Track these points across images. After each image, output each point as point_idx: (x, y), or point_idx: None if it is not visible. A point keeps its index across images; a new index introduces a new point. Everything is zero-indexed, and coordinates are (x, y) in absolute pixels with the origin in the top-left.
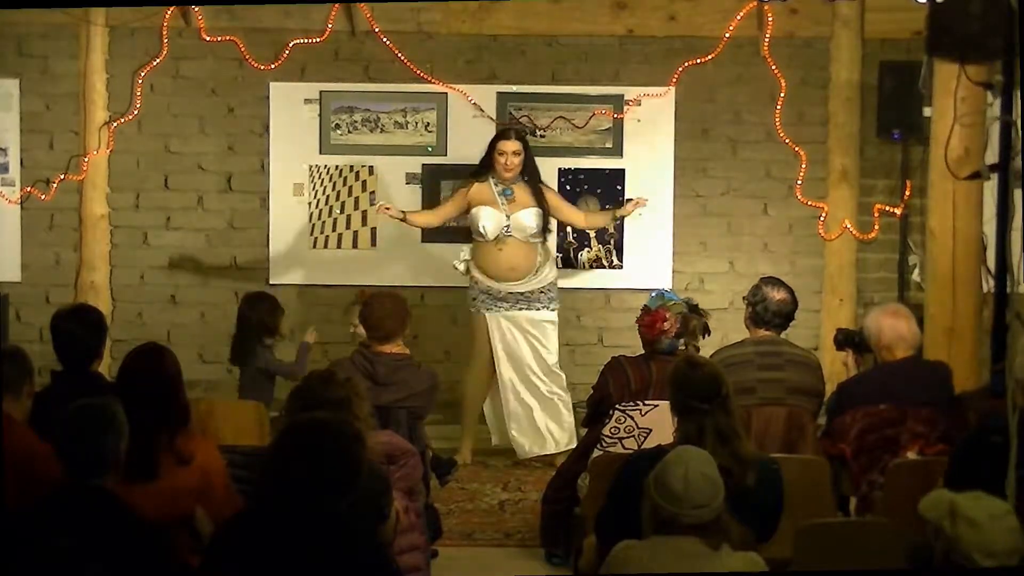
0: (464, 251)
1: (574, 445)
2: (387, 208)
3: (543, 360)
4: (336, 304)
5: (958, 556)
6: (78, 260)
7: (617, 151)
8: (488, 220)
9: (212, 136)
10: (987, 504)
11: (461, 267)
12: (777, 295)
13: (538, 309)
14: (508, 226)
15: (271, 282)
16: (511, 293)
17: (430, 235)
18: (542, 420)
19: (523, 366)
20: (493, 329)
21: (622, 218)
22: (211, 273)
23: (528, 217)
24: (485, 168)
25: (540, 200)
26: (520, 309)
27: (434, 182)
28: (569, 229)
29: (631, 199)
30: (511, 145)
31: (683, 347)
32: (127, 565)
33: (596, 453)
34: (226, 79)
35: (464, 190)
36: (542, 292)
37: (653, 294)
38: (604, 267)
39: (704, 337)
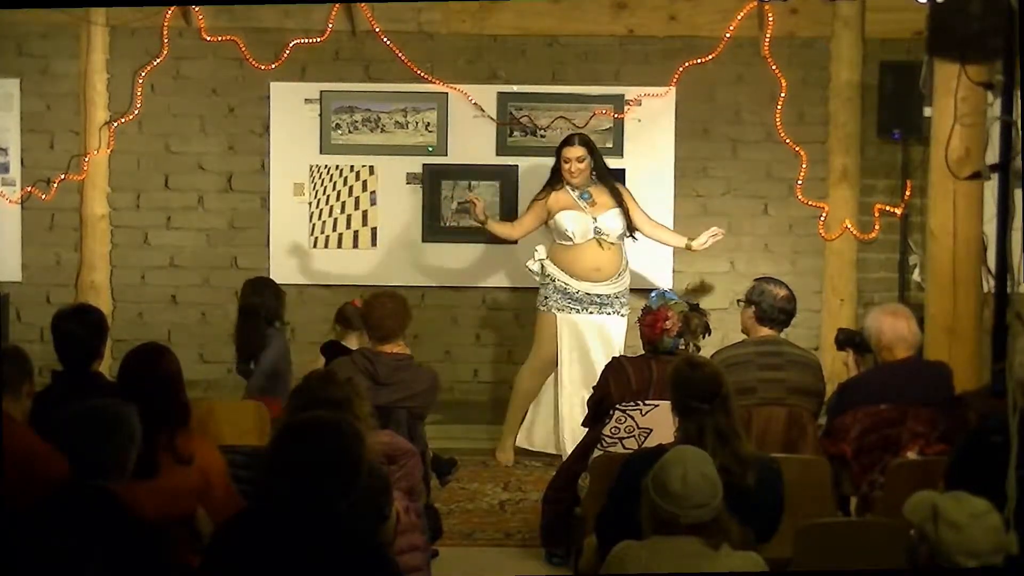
0: (539, 250)
1: None
2: (475, 203)
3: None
4: (336, 304)
5: (941, 558)
6: (78, 260)
7: (617, 151)
8: (574, 223)
9: (212, 136)
10: (968, 504)
11: (536, 267)
12: (780, 292)
13: (610, 314)
14: (597, 227)
15: None
16: (588, 294)
17: (430, 235)
18: None
19: (590, 371)
20: (563, 329)
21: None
22: (211, 273)
23: (613, 218)
24: (557, 177)
25: (619, 200)
26: (591, 313)
27: (435, 182)
28: None
29: (710, 232)
30: (575, 151)
31: (684, 346)
32: (127, 565)
33: (596, 453)
34: (227, 79)
35: (542, 201)
36: (617, 297)
37: (653, 294)
38: None
39: (705, 336)
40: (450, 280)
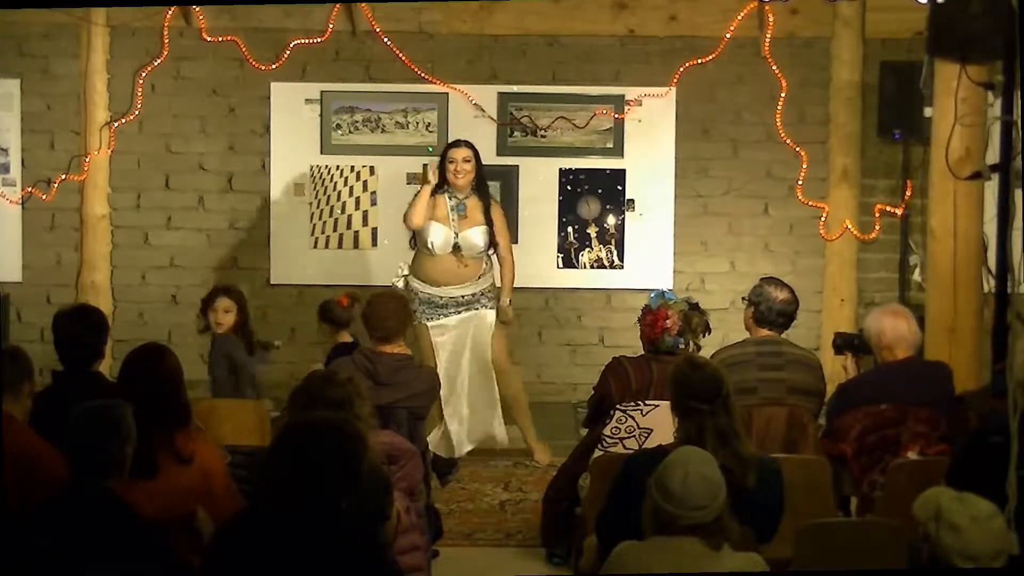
0: (402, 266)
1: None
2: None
3: (483, 359)
4: None
5: (940, 559)
6: (79, 260)
7: (618, 151)
8: (437, 236)
9: (213, 136)
10: (972, 507)
11: (400, 283)
12: (780, 294)
13: (477, 309)
14: (457, 243)
15: (272, 282)
16: (452, 298)
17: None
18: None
19: (478, 363)
20: (436, 337)
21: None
22: (211, 273)
23: (477, 235)
24: (442, 178)
25: (488, 218)
26: (460, 313)
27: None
28: (571, 229)
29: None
30: (461, 152)
31: (684, 346)
32: (128, 565)
33: (597, 453)
34: (227, 79)
35: (426, 194)
36: (483, 293)
37: (653, 294)
38: (605, 267)
39: (705, 335)
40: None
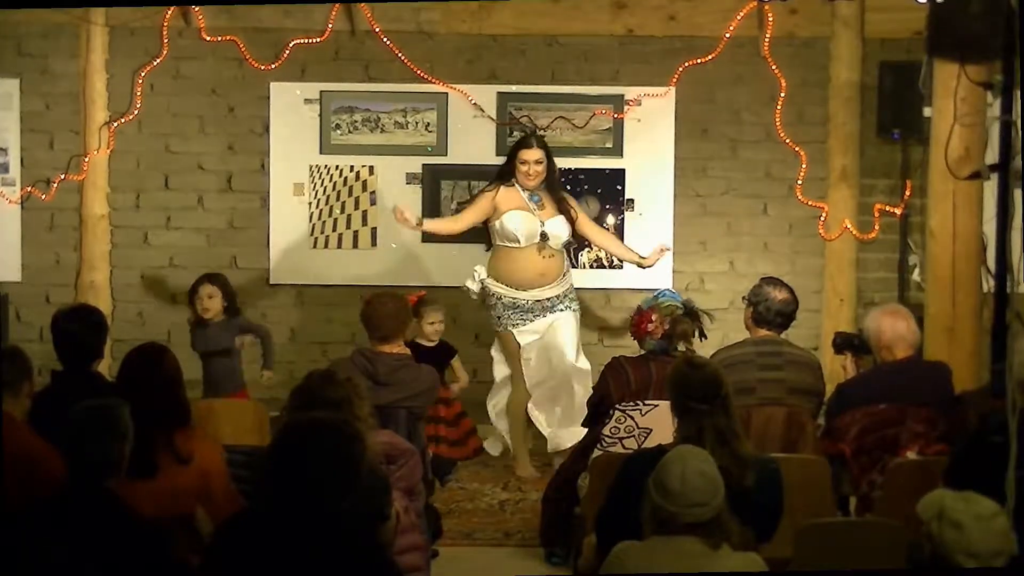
0: (478, 270)
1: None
2: (404, 214)
3: (567, 364)
4: (336, 304)
5: (942, 557)
6: (78, 260)
7: (617, 151)
8: (522, 224)
9: (212, 136)
10: (975, 505)
11: (475, 287)
12: (779, 295)
13: (563, 311)
14: (544, 232)
15: (271, 282)
16: (536, 301)
17: (430, 235)
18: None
19: (557, 369)
20: (523, 343)
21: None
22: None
23: (559, 225)
24: (507, 175)
25: (564, 208)
26: (545, 316)
27: (434, 182)
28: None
29: (658, 248)
30: (534, 154)
31: (674, 350)
32: (128, 565)
33: (596, 453)
34: (226, 79)
35: (490, 194)
36: (567, 295)
37: (656, 294)
38: (604, 267)
39: (702, 340)
40: (450, 280)
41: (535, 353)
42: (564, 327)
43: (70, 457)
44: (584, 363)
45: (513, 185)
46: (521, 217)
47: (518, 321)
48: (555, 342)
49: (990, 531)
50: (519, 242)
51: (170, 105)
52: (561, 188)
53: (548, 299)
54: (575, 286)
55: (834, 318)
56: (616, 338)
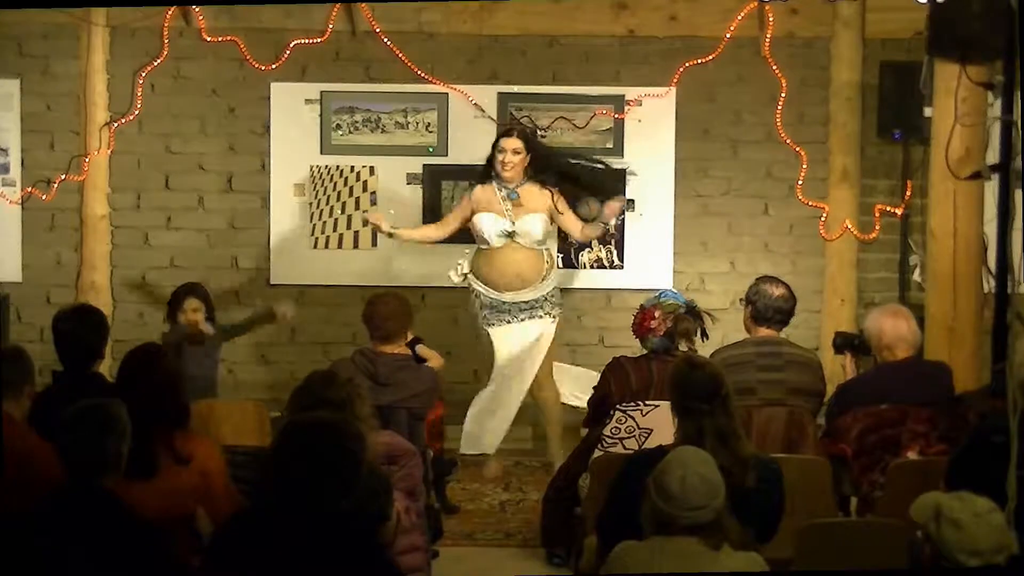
0: (462, 261)
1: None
2: (376, 221)
3: (531, 371)
4: (336, 304)
5: (944, 557)
6: (79, 260)
7: (618, 151)
8: (491, 225)
9: (213, 136)
10: (971, 503)
11: (457, 278)
12: (776, 291)
13: (541, 317)
14: (513, 232)
15: (271, 282)
16: (514, 303)
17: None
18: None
19: (527, 375)
20: (499, 343)
21: (610, 224)
22: (211, 273)
23: (534, 222)
24: (489, 170)
25: (546, 206)
26: (521, 320)
27: (435, 183)
28: None
29: (611, 202)
30: (512, 142)
31: (675, 349)
32: (127, 565)
33: (597, 453)
34: (227, 79)
35: (467, 195)
36: (547, 299)
37: (659, 294)
38: (605, 267)
39: (703, 340)
40: (450, 280)
41: (507, 349)
42: (542, 342)
43: (65, 456)
44: (560, 376)
45: (490, 183)
46: (490, 218)
47: (495, 321)
48: (530, 346)
49: (989, 527)
50: (488, 243)
51: (170, 105)
52: (552, 183)
53: (526, 302)
54: (576, 287)
55: (834, 318)
56: (617, 338)
